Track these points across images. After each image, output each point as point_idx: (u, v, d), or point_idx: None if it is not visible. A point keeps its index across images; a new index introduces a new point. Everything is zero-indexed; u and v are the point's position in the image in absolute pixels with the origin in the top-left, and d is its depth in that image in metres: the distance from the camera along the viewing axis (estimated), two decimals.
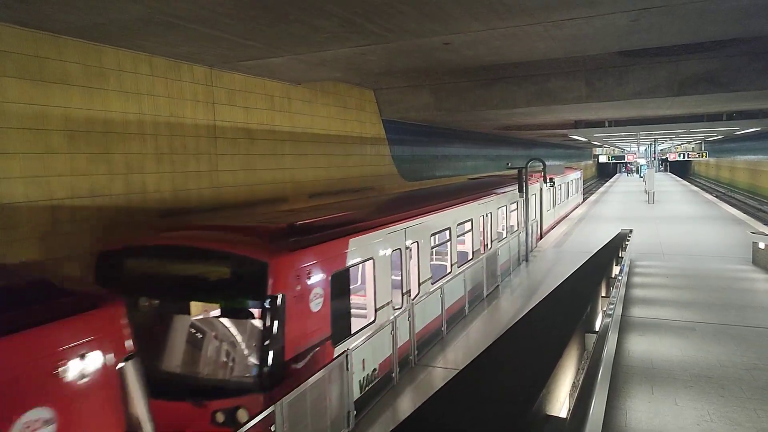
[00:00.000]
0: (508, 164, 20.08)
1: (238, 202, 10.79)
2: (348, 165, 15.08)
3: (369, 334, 7.48)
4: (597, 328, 5.92)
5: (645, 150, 52.53)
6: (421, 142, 20.70)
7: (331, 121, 14.30)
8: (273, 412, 5.27)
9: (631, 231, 16.71)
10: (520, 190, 16.80)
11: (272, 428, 5.13)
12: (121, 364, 3.78)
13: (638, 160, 59.14)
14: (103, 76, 8.05)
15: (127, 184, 8.45)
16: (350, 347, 6.86)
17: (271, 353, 5.85)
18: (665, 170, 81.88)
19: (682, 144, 53.33)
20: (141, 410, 3.95)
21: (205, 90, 10.05)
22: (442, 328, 10.24)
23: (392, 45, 9.14)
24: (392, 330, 8.08)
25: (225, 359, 6.24)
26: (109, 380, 3.72)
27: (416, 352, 9.02)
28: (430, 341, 9.69)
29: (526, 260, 16.94)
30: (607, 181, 69.18)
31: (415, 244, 9.58)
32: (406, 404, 7.56)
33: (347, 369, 6.69)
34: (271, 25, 7.64)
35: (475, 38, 8.98)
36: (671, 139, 41.64)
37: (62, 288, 4.12)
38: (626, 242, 14.25)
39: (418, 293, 9.64)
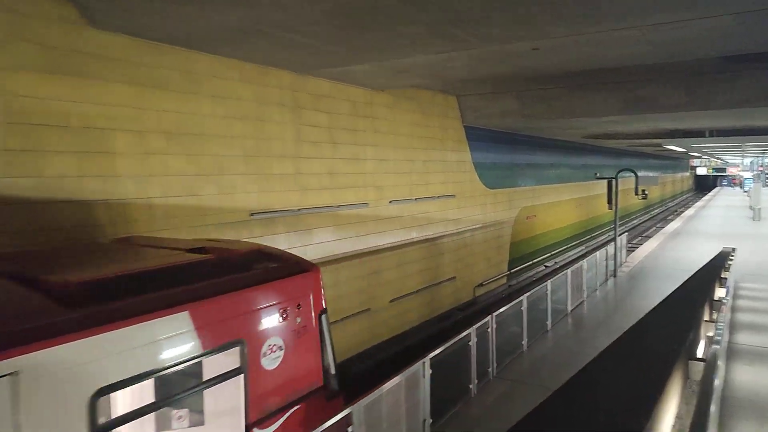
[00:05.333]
0: (596, 174, 19.19)
1: (320, 205, 10.95)
2: (429, 171, 14.95)
3: (449, 344, 7.31)
4: (701, 355, 5.38)
5: (751, 163, 48.40)
6: (504, 150, 20.19)
7: (413, 128, 14.24)
8: (350, 413, 5.25)
9: (734, 249, 15.36)
10: (609, 202, 15.96)
11: (349, 429, 5.12)
12: (319, 315, 5.27)
13: (742, 173, 54.53)
14: (197, 81, 8.44)
15: (218, 185, 8.79)
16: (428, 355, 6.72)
17: None
18: None
19: None
20: (329, 351, 5.38)
21: (291, 95, 10.30)
22: (523, 342, 9.85)
23: (477, 51, 8.93)
24: (470, 340, 7.86)
25: None
26: (313, 325, 5.20)
27: (495, 365, 8.72)
28: (510, 352, 9.35)
29: (614, 276, 16.03)
30: (705, 194, 64.60)
31: None
32: (482, 417, 7.31)
33: (423, 376, 6.55)
34: (355, 32, 7.69)
35: (563, 43, 8.58)
36: None
37: (278, 255, 5.45)
38: (729, 261, 13.09)
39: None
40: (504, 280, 19.39)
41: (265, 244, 6.23)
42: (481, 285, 17.62)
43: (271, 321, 4.80)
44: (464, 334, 7.74)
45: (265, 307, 4.74)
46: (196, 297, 4.22)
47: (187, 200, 8.29)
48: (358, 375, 10.07)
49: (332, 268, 11.30)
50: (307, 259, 5.83)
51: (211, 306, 4.32)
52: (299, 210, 10.45)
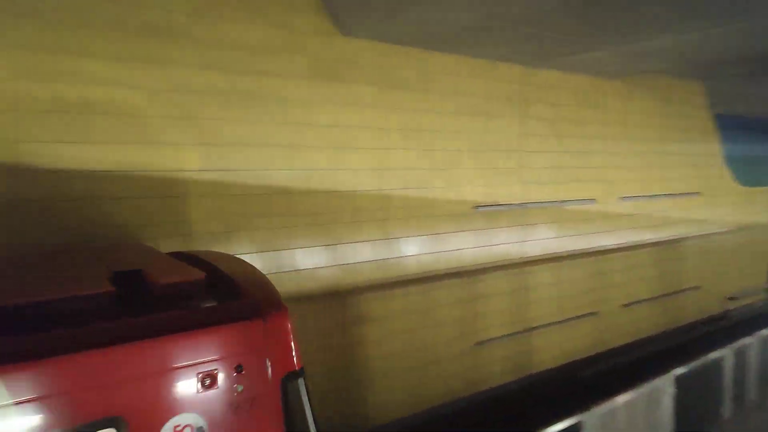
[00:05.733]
0: None
1: (543, 201, 10.62)
2: (667, 165, 13.38)
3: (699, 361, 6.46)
4: None
5: None
6: (765, 140, 17.05)
7: (648, 117, 12.89)
8: (580, 421, 4.99)
9: None
10: None
11: None
12: (285, 379, 3.46)
13: None
14: (430, 79, 8.82)
15: (447, 178, 9.10)
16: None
17: None
18: None
19: None
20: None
21: (517, 88, 10.14)
22: None
23: (734, 27, 7.66)
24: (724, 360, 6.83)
25: None
26: (271, 395, 3.44)
27: (754, 391, 7.45)
28: None
29: None
30: None
31: None
32: None
33: (667, 393, 5.90)
34: (593, 17, 7.21)
35: None
36: None
37: (241, 286, 3.73)
38: None
39: None
40: (763, 295, 16.44)
41: (253, 267, 4.30)
42: (732, 298, 15.20)
43: (180, 389, 3.08)
44: (718, 353, 6.74)
45: (170, 369, 3.05)
46: (29, 350, 2.72)
47: (420, 192, 8.76)
48: (586, 381, 9.53)
49: (553, 266, 10.88)
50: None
51: (59, 364, 2.77)
52: (522, 204, 10.27)
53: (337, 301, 7.91)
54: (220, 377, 3.20)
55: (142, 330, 3.01)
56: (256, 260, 6.88)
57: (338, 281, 7.85)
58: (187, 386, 3.11)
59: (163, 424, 3.04)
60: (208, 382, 3.18)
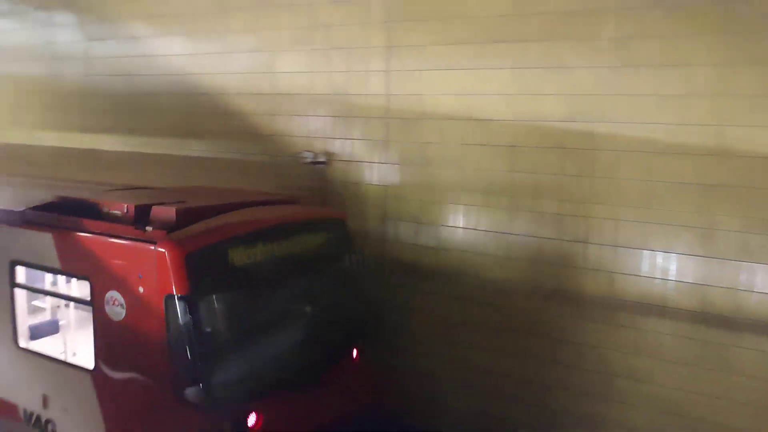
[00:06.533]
0: None
1: None
2: None
3: None
4: None
5: None
6: None
7: None
8: None
9: None
10: None
11: None
12: (166, 298, 4.73)
13: None
14: None
15: None
16: None
17: None
18: None
19: None
20: (179, 343, 4.71)
21: None
22: None
23: None
24: None
25: None
26: (156, 305, 4.82)
27: None
28: None
29: None
30: None
31: None
32: None
33: None
34: None
35: None
36: None
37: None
38: None
39: None
40: None
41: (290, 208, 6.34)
42: None
43: (112, 273, 4.90)
44: None
45: (109, 259, 4.97)
46: (57, 225, 5.34)
47: None
48: None
49: None
50: None
51: (67, 236, 5.23)
52: None
53: None
54: (131, 276, 4.78)
55: (111, 234, 5.01)
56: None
57: None
58: (115, 273, 4.90)
59: (105, 292, 4.91)
60: (123, 274, 4.84)
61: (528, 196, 6.53)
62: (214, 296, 4.80)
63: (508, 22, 6.45)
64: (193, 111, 8.89)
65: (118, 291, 4.84)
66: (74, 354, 6.38)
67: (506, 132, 6.58)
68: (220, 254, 4.90)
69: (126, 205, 5.22)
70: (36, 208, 5.65)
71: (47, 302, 6.94)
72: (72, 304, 6.61)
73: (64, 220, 5.33)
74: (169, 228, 4.85)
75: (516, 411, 6.81)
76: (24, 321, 5.89)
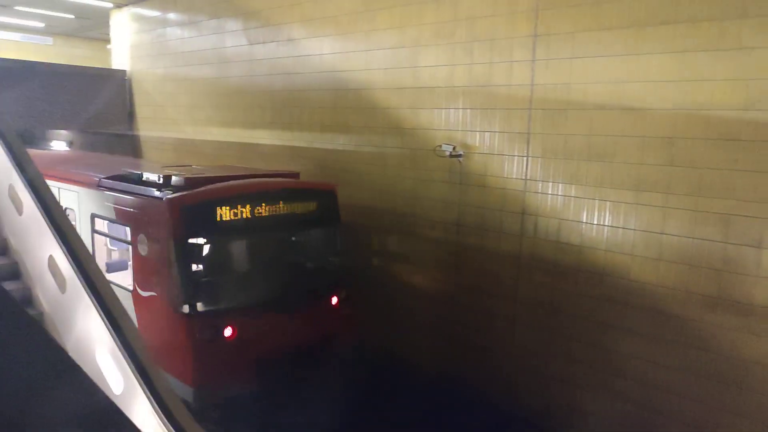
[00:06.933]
0: None
1: None
2: None
3: None
4: None
5: None
6: None
7: None
8: None
9: None
10: None
11: None
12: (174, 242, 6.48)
13: None
14: None
15: None
16: None
17: None
18: None
19: None
20: (184, 281, 6.45)
21: None
22: None
23: None
24: None
25: None
26: (165, 249, 6.67)
27: None
28: None
29: None
30: None
31: None
32: None
33: None
34: None
35: None
36: None
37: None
38: None
39: None
40: None
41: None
42: None
43: (142, 221, 6.76)
44: None
45: (139, 211, 6.82)
46: (115, 188, 7.33)
47: None
48: None
49: None
50: None
51: (119, 196, 7.17)
52: None
53: None
54: (151, 223, 6.65)
55: (142, 194, 6.89)
56: None
57: None
58: (142, 221, 6.78)
59: (137, 235, 6.80)
60: (147, 222, 6.72)
61: (686, 193, 5.96)
62: (203, 240, 6.31)
63: (672, 2, 5.90)
64: (340, 105, 9.41)
65: (144, 234, 6.64)
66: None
67: (664, 122, 6.06)
68: (209, 209, 6.36)
69: (159, 175, 6.82)
70: (109, 177, 7.55)
71: (118, 246, 8.78)
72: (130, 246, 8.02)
73: (118, 184, 7.27)
74: (179, 191, 6.46)
75: None
76: (102, 259, 8.15)
